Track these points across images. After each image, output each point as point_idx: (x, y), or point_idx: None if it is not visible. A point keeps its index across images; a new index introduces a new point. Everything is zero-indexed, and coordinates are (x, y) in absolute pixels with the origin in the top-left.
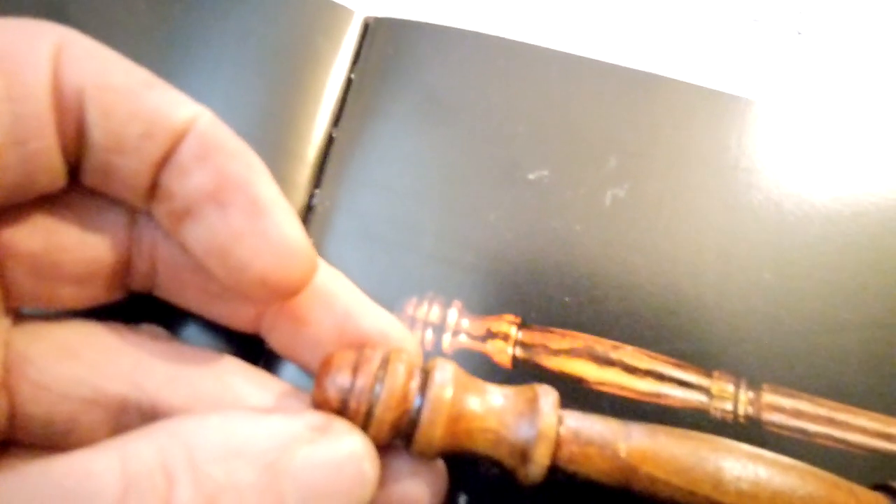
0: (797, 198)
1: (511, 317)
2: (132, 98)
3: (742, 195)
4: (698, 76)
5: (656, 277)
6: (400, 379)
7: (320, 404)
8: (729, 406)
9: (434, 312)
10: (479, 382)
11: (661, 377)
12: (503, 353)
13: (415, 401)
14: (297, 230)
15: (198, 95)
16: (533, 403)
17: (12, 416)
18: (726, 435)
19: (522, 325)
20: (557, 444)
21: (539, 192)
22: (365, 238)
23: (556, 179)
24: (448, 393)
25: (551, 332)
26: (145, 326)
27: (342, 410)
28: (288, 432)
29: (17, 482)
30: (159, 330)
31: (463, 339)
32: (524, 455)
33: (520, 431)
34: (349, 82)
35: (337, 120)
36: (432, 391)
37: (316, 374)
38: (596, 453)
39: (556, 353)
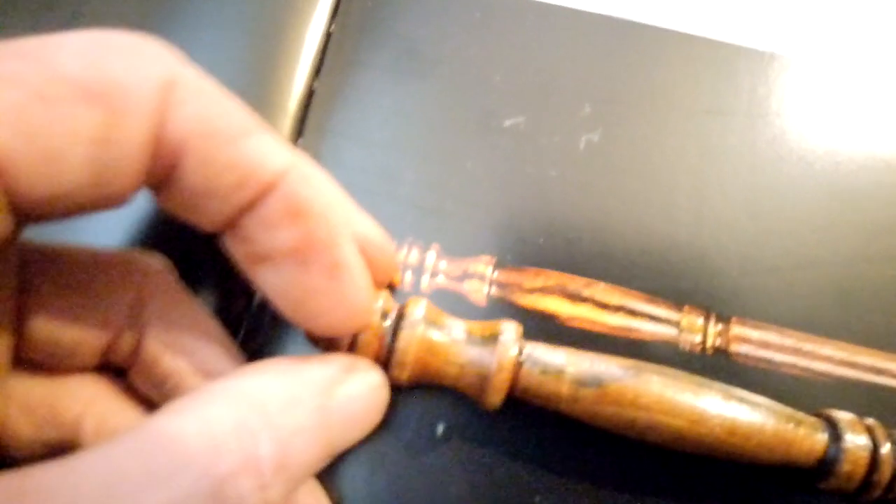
0: (770, 140)
1: (487, 258)
2: (231, 147)
3: (715, 138)
4: (671, 21)
5: (629, 218)
6: (374, 322)
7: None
8: (698, 338)
9: (413, 255)
10: (448, 319)
11: (632, 312)
12: (479, 292)
13: (389, 337)
14: (367, 290)
15: (179, 49)
16: (495, 337)
17: (22, 336)
18: (694, 366)
19: (498, 266)
20: (515, 375)
21: (514, 138)
22: (346, 187)
23: (531, 126)
24: (419, 330)
25: (525, 271)
26: (154, 256)
27: (331, 346)
28: (328, 375)
29: (114, 451)
30: (163, 262)
31: (440, 280)
32: (484, 384)
33: (482, 363)
34: (329, 35)
35: (317, 72)
36: (404, 329)
37: None
38: (551, 387)
39: (530, 291)
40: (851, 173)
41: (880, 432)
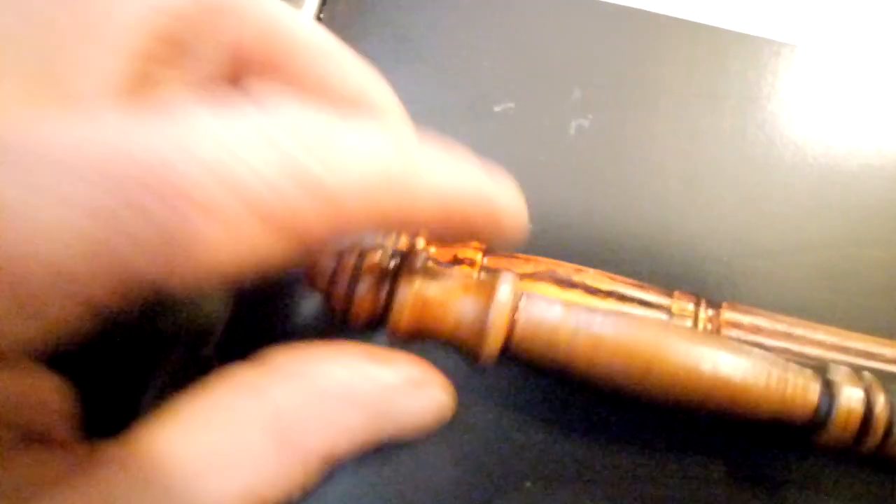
0: (761, 124)
1: (476, 243)
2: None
3: (706, 122)
4: (662, 6)
5: (620, 203)
6: (371, 281)
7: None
8: (689, 324)
9: (402, 241)
10: (446, 272)
11: (622, 297)
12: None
13: (385, 293)
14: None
15: None
16: (491, 291)
17: None
18: None
19: (487, 252)
20: (510, 328)
21: (504, 123)
22: None
23: (521, 111)
24: (414, 286)
25: (515, 257)
26: None
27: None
28: (390, 384)
29: (181, 421)
30: None
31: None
32: (479, 339)
33: (477, 317)
34: (318, 21)
35: None
36: (401, 284)
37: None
38: (539, 351)
39: (520, 277)
40: (842, 157)
41: (875, 385)
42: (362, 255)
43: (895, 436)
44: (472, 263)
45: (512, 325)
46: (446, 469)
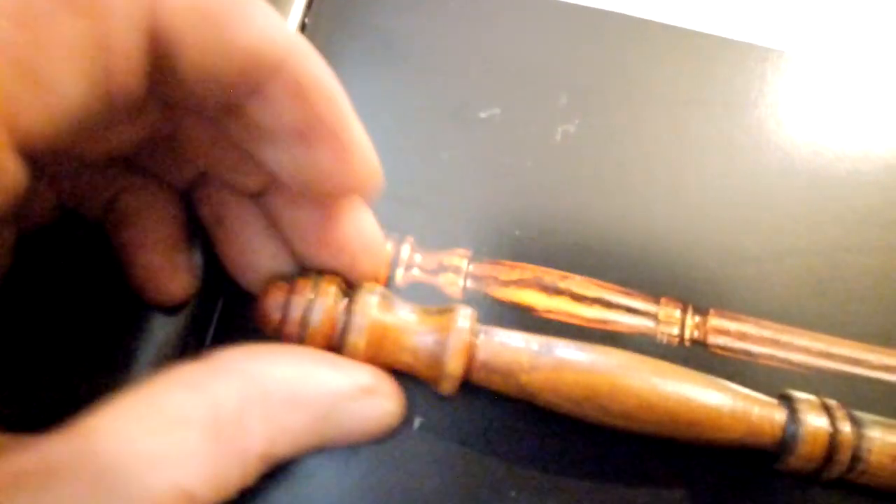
0: (748, 130)
1: (462, 251)
2: (230, 32)
3: (693, 128)
4: (648, 11)
5: (606, 209)
6: (327, 308)
7: (261, 327)
8: (675, 331)
9: (387, 248)
10: (404, 305)
11: (608, 304)
12: (454, 285)
13: (340, 324)
14: (372, 154)
15: None
16: (449, 325)
17: None
18: (672, 358)
19: (473, 259)
20: (468, 363)
21: (490, 129)
22: None
23: (508, 117)
24: (369, 317)
25: (501, 264)
26: None
27: (277, 336)
28: (340, 390)
29: (118, 414)
30: None
31: (416, 273)
32: (439, 372)
33: (435, 350)
34: (303, 26)
35: None
36: (356, 315)
37: (257, 302)
38: (500, 380)
39: (506, 283)
40: (829, 163)
41: (839, 413)
42: (316, 284)
43: (862, 462)
44: (456, 271)
45: (471, 355)
46: (432, 478)
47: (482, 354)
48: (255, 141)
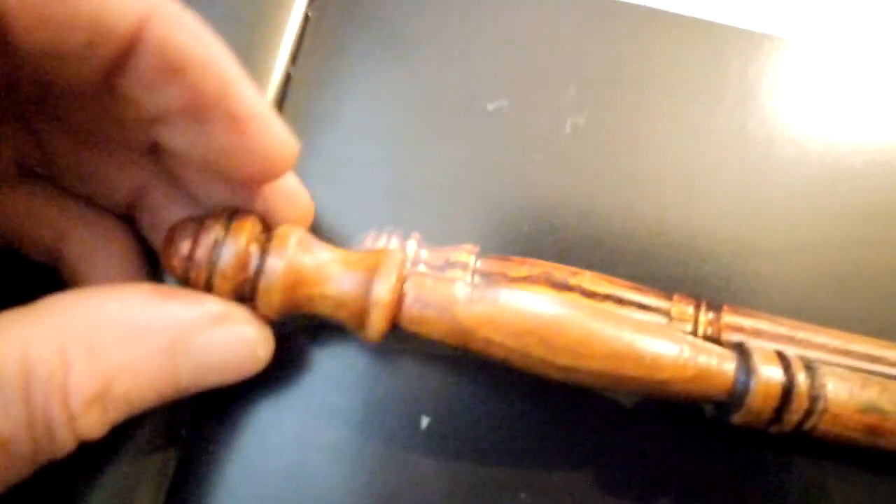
0: (761, 122)
1: (470, 246)
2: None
3: (705, 120)
4: (659, 1)
5: (617, 203)
6: (238, 248)
7: (169, 271)
8: (689, 328)
9: (393, 244)
10: (325, 247)
11: (620, 301)
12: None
13: (253, 269)
14: (279, 129)
15: None
16: (374, 269)
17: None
18: None
19: (481, 255)
20: (398, 307)
21: (498, 122)
22: (324, 174)
23: (516, 109)
24: (284, 261)
25: (510, 260)
26: None
27: (185, 280)
28: (187, 320)
29: None
30: None
31: (422, 270)
32: (363, 318)
33: (358, 296)
34: (307, 18)
35: (294, 58)
36: (270, 259)
37: (161, 245)
38: (434, 315)
39: (515, 280)
40: (844, 155)
41: (796, 363)
42: (228, 222)
43: (818, 411)
44: (464, 267)
45: (403, 290)
46: (440, 479)
47: (415, 289)
48: (147, 125)
